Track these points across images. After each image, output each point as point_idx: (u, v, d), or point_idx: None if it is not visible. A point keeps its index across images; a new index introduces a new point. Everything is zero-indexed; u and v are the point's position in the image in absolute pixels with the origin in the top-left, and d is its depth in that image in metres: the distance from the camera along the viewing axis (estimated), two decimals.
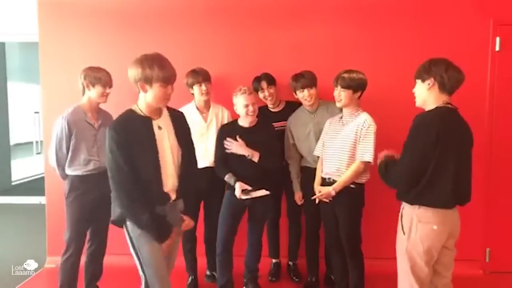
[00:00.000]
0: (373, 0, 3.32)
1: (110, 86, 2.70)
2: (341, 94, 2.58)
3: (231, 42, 3.40)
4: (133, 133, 1.91)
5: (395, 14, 3.30)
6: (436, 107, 2.01)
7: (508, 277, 3.34)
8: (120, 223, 2.02)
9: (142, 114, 1.97)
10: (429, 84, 2.03)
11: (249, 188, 2.73)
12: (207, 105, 3.07)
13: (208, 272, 3.26)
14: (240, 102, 2.75)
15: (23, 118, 6.19)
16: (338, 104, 2.64)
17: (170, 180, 2.01)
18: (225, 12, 3.39)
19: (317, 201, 2.68)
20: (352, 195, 2.61)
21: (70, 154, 2.61)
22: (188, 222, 2.11)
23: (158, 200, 1.99)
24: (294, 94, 2.97)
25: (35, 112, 5.46)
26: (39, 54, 3.49)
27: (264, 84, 3.07)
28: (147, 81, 1.90)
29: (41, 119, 3.92)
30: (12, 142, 6.42)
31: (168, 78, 1.92)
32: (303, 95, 2.89)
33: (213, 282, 3.17)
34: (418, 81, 2.09)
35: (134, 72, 1.91)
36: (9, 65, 6.30)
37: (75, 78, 3.31)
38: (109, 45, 3.45)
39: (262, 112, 3.04)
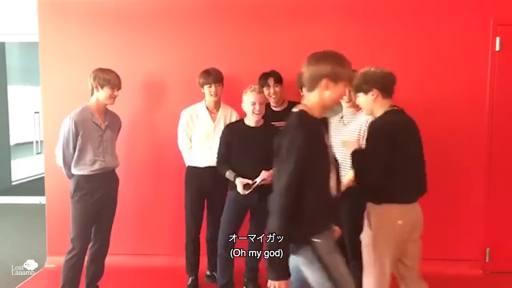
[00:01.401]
0: (373, 0, 3.32)
1: (119, 89, 2.73)
2: (351, 94, 2.55)
3: (232, 42, 3.39)
4: (317, 137, 1.78)
5: (396, 14, 3.30)
6: (387, 112, 2.14)
7: (508, 277, 3.34)
8: (304, 243, 1.77)
9: (313, 115, 1.81)
10: (373, 95, 2.15)
11: (250, 182, 2.73)
12: (216, 105, 3.08)
13: (208, 272, 3.26)
14: (248, 100, 2.75)
15: (23, 118, 6.19)
16: (347, 104, 2.64)
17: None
18: (226, 12, 3.39)
19: None
20: (355, 194, 2.60)
21: (76, 153, 2.64)
22: (338, 230, 2.03)
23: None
24: (300, 91, 2.97)
25: (35, 112, 5.46)
26: (39, 54, 3.49)
27: (271, 81, 3.07)
28: (335, 78, 1.76)
29: (41, 119, 3.93)
30: (12, 142, 6.42)
31: (351, 78, 1.89)
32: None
33: (213, 282, 3.18)
34: (361, 94, 2.20)
35: (322, 68, 1.76)
36: (9, 65, 6.29)
37: (75, 78, 3.33)
38: (109, 45, 3.45)
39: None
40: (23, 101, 6.54)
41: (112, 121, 2.81)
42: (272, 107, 3.18)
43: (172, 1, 3.41)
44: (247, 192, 2.73)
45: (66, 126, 2.62)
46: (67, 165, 2.68)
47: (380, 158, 2.03)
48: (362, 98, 2.21)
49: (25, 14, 4.16)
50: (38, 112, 5.27)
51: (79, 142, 2.63)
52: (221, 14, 3.39)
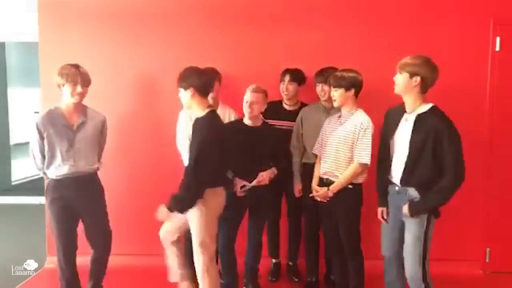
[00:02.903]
0: (373, 1, 3.32)
1: (84, 85, 2.53)
2: (334, 94, 2.62)
3: (230, 43, 3.39)
4: None
5: (395, 14, 3.30)
6: (208, 111, 2.45)
7: (508, 277, 3.35)
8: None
9: None
10: (190, 92, 2.42)
11: (247, 184, 2.73)
12: (215, 104, 3.07)
13: None
14: (245, 98, 2.78)
15: (23, 118, 6.18)
16: (334, 104, 2.67)
17: None
18: (224, 12, 3.39)
19: (319, 200, 2.69)
20: (350, 195, 2.61)
21: (46, 157, 2.55)
22: None
23: None
24: (321, 88, 2.99)
25: (35, 112, 5.45)
26: (39, 54, 3.48)
27: (287, 77, 3.09)
28: None
29: None
30: (12, 142, 6.42)
31: None
32: (318, 89, 2.96)
33: None
34: (181, 89, 2.47)
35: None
36: (9, 65, 6.29)
37: None
38: (109, 45, 3.44)
39: (275, 106, 3.04)
40: (23, 101, 6.54)
41: (87, 120, 2.63)
42: (285, 106, 3.18)
43: (172, 1, 3.41)
44: (242, 194, 2.73)
45: (31, 130, 2.54)
46: (40, 170, 2.62)
47: (212, 150, 2.37)
48: (181, 93, 2.49)
49: (25, 14, 4.16)
50: (38, 112, 5.26)
51: (46, 146, 2.52)
52: (220, 14, 3.39)
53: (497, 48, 3.26)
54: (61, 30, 3.47)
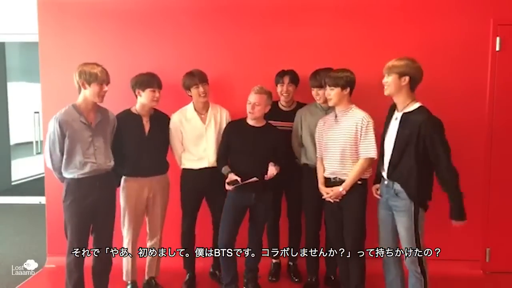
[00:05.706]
0: (373, 0, 3.32)
1: (107, 84, 2.55)
2: (330, 93, 2.64)
3: (231, 43, 3.40)
4: None
5: (396, 14, 3.30)
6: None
7: (508, 277, 3.35)
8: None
9: None
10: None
11: (238, 179, 2.74)
12: (205, 106, 3.06)
13: (211, 269, 3.29)
14: (248, 98, 2.79)
15: (23, 118, 6.19)
16: (329, 103, 2.70)
17: None
18: (224, 12, 3.39)
19: (332, 200, 2.70)
20: (358, 191, 2.65)
21: (65, 156, 2.51)
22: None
23: None
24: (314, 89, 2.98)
25: (35, 112, 5.46)
26: (39, 54, 3.49)
27: (286, 79, 3.09)
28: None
29: (41, 119, 3.92)
30: (12, 142, 6.42)
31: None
32: (313, 93, 2.95)
33: (214, 280, 3.22)
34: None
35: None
36: (9, 65, 6.29)
37: None
38: (109, 45, 3.45)
39: (271, 107, 3.05)
40: (23, 101, 6.54)
41: (104, 119, 2.65)
42: (281, 107, 3.18)
43: (172, 1, 3.41)
44: (230, 188, 2.75)
45: (51, 127, 2.48)
46: (57, 169, 2.56)
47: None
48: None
49: (25, 14, 4.16)
50: (38, 112, 5.27)
51: (66, 144, 2.48)
52: (220, 14, 3.39)
53: (497, 48, 3.26)
54: (61, 30, 3.47)
